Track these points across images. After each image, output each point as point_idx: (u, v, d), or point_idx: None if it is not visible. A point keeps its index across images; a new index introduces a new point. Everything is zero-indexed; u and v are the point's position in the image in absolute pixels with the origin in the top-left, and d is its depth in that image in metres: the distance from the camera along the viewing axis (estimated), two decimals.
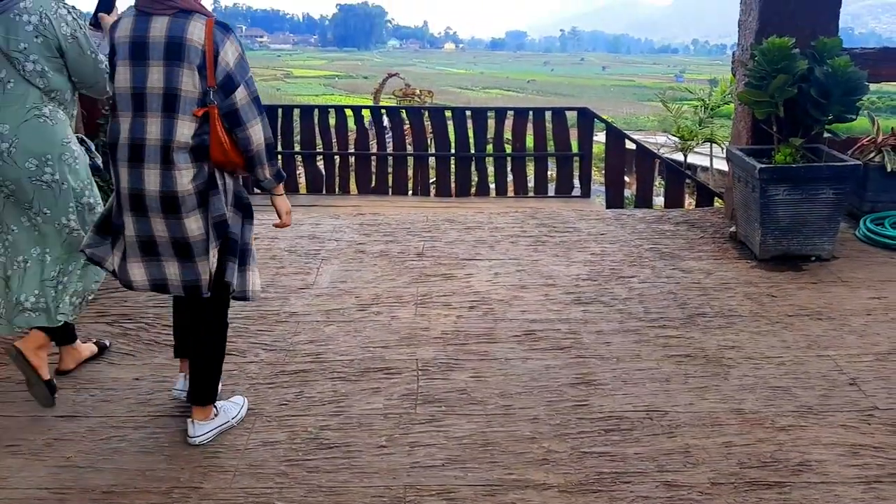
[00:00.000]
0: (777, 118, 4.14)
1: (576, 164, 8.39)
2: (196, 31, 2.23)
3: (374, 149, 8.80)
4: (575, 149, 8.28)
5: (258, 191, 2.82)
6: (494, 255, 4.29)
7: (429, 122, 8.52)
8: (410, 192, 8.35)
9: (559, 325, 3.34)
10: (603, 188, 8.22)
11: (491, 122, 8.28)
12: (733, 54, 4.91)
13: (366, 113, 8.68)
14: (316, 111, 8.13)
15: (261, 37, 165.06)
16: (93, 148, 2.95)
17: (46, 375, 2.69)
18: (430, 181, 8.69)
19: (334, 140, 8.12)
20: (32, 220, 2.73)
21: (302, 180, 8.64)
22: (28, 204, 2.69)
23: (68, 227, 2.75)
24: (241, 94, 2.28)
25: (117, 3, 2.91)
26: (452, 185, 8.36)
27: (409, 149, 8.68)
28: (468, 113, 8.31)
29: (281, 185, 2.49)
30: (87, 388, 2.83)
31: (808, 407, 2.67)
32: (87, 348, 3.04)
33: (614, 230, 4.75)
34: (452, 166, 8.41)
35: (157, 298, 3.49)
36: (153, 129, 2.25)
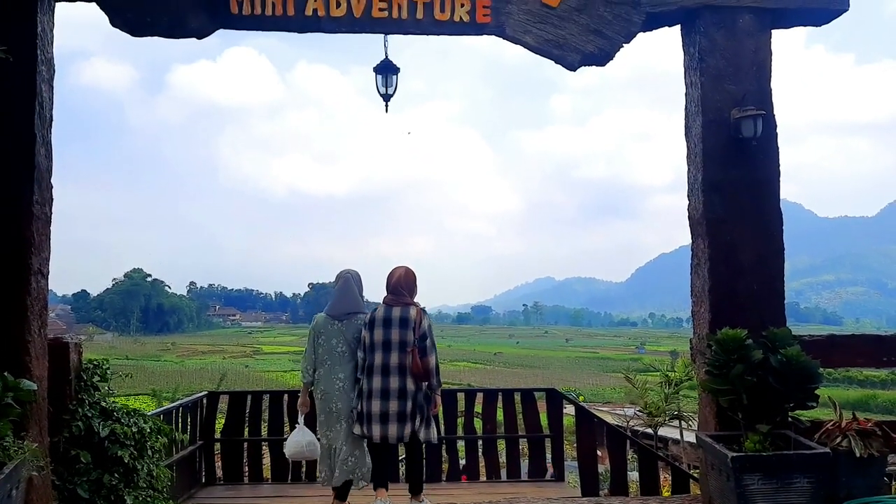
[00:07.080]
0: (741, 404, 4.25)
1: (548, 443, 8.30)
2: (413, 313, 5.18)
3: None
4: (545, 424, 8.25)
5: None
6: None
7: None
8: None
9: None
10: (576, 463, 8.04)
11: (461, 403, 8.30)
12: (691, 340, 5.15)
13: None
14: (286, 396, 8.06)
15: (234, 315, 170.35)
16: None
17: None
18: (400, 458, 8.43)
19: None
20: (338, 424, 5.27)
21: (267, 463, 8.34)
22: (338, 414, 5.26)
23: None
24: (428, 342, 5.16)
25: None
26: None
27: None
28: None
29: (440, 389, 5.35)
30: None
31: None
32: None
33: None
34: None
35: None
36: (395, 358, 5.06)
